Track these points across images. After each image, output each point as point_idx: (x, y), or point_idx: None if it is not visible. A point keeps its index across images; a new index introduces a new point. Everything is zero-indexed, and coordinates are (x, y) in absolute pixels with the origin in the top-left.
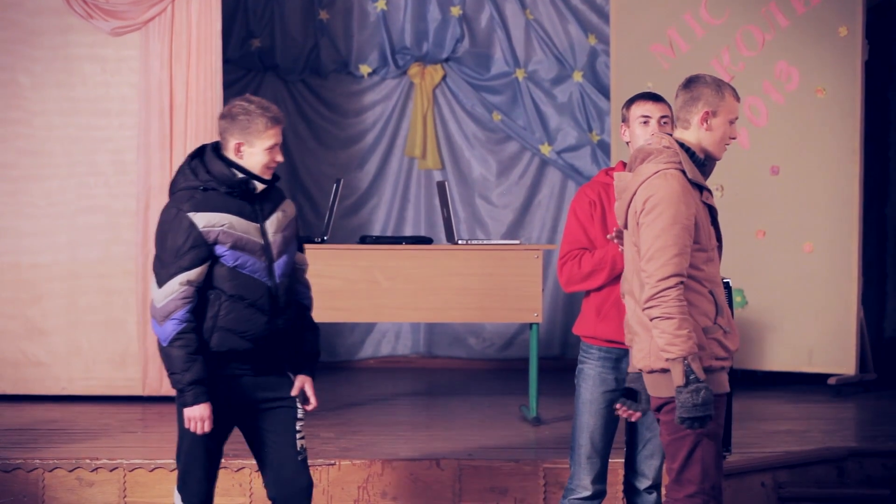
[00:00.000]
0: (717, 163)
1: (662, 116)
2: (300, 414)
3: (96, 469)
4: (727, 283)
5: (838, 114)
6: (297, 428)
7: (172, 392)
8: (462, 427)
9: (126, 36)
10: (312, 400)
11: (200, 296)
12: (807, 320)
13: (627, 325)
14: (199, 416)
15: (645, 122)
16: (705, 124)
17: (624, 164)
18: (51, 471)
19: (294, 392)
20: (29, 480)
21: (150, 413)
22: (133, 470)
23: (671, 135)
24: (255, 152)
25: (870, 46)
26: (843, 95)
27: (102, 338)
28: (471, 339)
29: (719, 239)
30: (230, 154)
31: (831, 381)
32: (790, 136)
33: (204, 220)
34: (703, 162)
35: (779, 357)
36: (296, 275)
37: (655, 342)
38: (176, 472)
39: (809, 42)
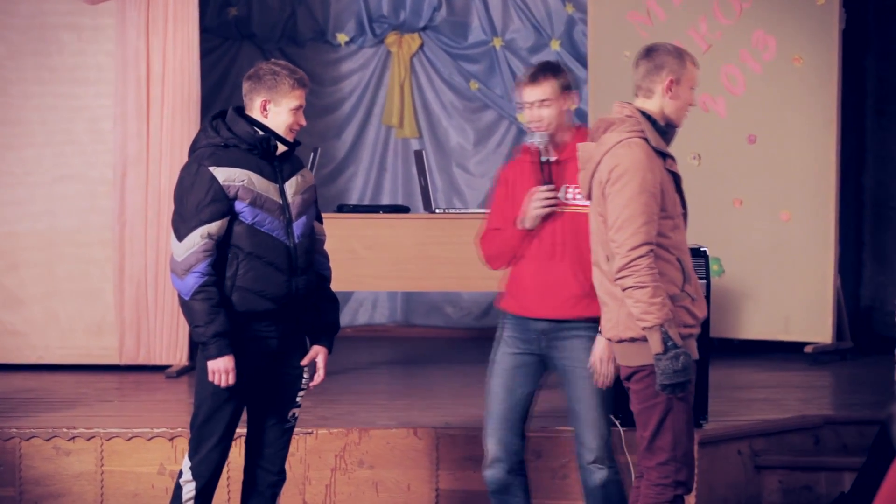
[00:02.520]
0: (695, 132)
1: (541, 101)
2: (304, 384)
3: (73, 438)
4: (704, 251)
5: (815, 82)
6: (297, 399)
7: (149, 361)
8: (439, 396)
9: (102, 4)
10: (321, 373)
11: (219, 254)
12: (784, 289)
13: (597, 294)
14: (223, 368)
15: (529, 108)
16: (669, 92)
17: (527, 149)
18: (27, 440)
19: (305, 362)
20: (6, 449)
21: (127, 382)
22: (110, 439)
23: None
24: (280, 111)
25: (847, 15)
26: (820, 64)
27: (79, 307)
28: (448, 308)
29: (684, 206)
30: (255, 113)
31: (808, 349)
32: (767, 104)
33: (224, 175)
34: (665, 130)
35: (755, 325)
36: (315, 245)
37: (623, 312)
38: (188, 440)
39: (787, 11)
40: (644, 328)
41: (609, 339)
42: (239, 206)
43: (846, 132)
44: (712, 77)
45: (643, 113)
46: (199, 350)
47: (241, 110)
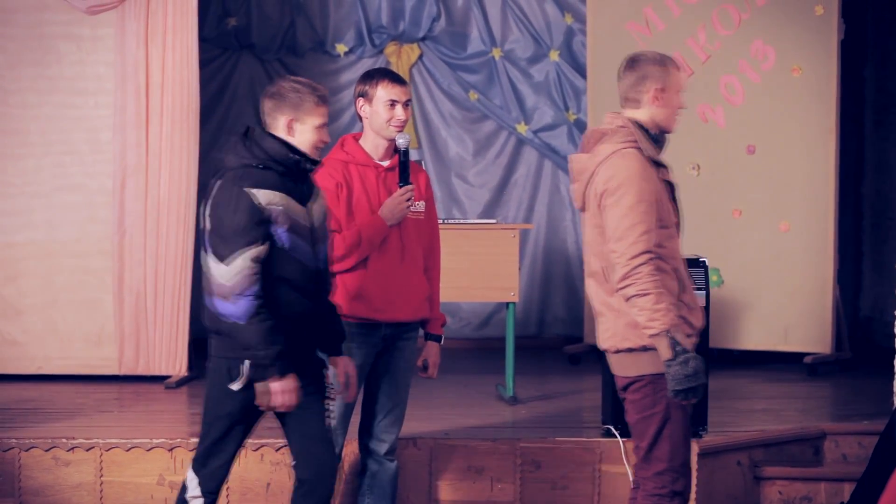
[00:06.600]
0: (694, 142)
1: (406, 101)
2: (330, 393)
3: (72, 448)
4: (703, 262)
5: (814, 93)
6: (327, 407)
7: (149, 371)
8: (438, 406)
9: (102, 14)
10: (353, 384)
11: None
12: (783, 299)
13: (591, 305)
14: (291, 388)
15: (392, 106)
16: (658, 101)
17: (355, 140)
18: (27, 450)
19: (341, 377)
20: (5, 460)
21: (127, 392)
22: (109, 449)
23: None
24: (306, 129)
25: (846, 25)
26: (819, 74)
27: (78, 317)
28: (447, 318)
29: (678, 215)
30: (280, 132)
31: (807, 359)
32: (766, 115)
33: (265, 198)
34: (657, 137)
35: (755, 336)
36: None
37: (621, 322)
38: (195, 451)
39: (786, 21)
40: (651, 335)
41: (605, 350)
42: (276, 230)
43: (845, 142)
44: (711, 87)
45: (635, 123)
46: (211, 366)
47: (265, 130)
